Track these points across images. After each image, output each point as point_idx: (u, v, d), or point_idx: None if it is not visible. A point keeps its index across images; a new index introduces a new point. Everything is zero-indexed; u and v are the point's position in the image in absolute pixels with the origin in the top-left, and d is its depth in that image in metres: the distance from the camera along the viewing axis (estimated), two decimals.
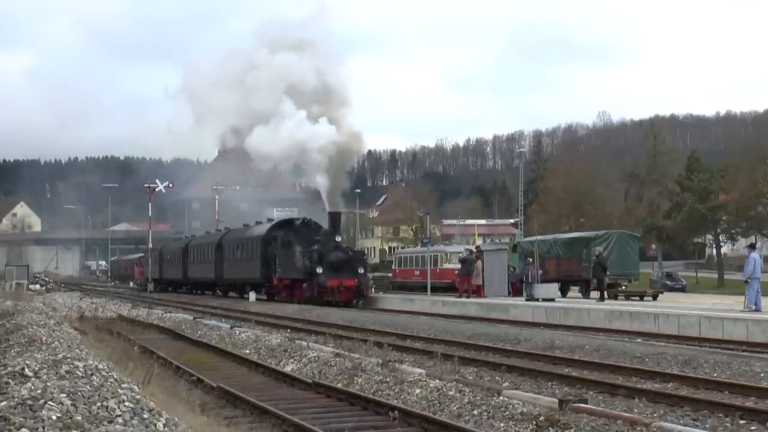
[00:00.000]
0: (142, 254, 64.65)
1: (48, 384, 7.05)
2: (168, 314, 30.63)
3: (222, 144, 54.19)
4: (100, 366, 8.65)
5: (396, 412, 10.21)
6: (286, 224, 40.07)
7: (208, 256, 48.65)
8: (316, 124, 36.48)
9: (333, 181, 35.98)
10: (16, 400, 6.48)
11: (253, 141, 39.63)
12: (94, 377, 7.89)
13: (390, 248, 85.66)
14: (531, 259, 33.30)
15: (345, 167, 38.64)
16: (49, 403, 6.45)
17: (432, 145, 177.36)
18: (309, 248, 35.36)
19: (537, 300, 29.59)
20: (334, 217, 36.00)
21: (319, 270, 34.07)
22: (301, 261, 35.38)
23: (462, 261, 34.75)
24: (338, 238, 35.62)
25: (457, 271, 40.46)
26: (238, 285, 43.99)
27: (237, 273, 43.67)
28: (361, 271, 35.10)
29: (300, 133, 36.43)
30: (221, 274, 45.96)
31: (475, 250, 37.74)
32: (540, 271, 33.09)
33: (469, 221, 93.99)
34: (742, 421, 9.95)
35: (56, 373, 7.87)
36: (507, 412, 10.08)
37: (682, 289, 57.05)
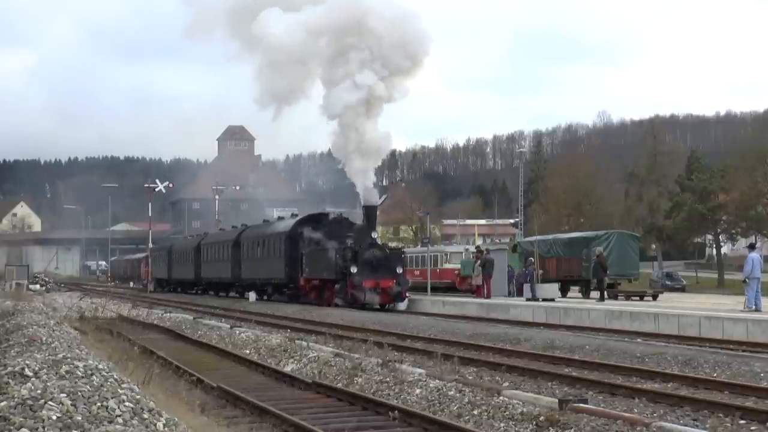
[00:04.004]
0: (148, 253, 62.66)
1: (48, 384, 7.06)
2: (168, 314, 30.65)
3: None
4: (100, 366, 8.66)
5: (396, 412, 10.22)
6: (313, 219, 36.63)
7: (223, 254, 45.46)
8: None
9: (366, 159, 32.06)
10: (16, 400, 6.48)
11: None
12: (94, 377, 7.89)
13: None
14: (533, 259, 33.18)
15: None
16: (49, 403, 6.46)
17: (432, 145, 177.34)
18: (341, 245, 32.19)
19: (537, 300, 29.55)
20: (370, 211, 32.46)
21: (354, 269, 30.80)
22: (333, 259, 31.91)
23: (484, 262, 33.59)
24: (374, 235, 32.37)
25: (457, 271, 40.59)
26: (259, 285, 40.70)
27: (257, 273, 40.42)
28: (399, 270, 31.61)
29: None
30: (239, 274, 42.79)
31: (475, 250, 37.71)
32: (540, 271, 33.07)
33: (469, 221, 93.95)
34: (742, 421, 9.94)
35: (56, 373, 7.88)
36: (507, 412, 10.08)
37: (682, 289, 57.06)
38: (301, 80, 35.03)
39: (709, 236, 78.84)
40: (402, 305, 31.82)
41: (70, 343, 12.98)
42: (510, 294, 34.27)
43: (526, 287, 31.53)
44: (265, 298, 39.84)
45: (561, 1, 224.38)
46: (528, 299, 30.05)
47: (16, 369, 7.86)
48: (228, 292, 47.48)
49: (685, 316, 21.38)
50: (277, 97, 35.45)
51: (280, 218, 43.04)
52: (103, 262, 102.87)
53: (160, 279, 59.04)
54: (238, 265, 42.85)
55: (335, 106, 32.37)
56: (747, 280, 23.16)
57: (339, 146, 33.91)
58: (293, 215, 40.66)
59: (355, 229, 33.39)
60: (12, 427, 5.95)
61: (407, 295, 32.64)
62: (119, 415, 6.56)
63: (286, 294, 37.44)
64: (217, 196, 74.61)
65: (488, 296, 32.08)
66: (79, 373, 8.02)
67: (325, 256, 32.77)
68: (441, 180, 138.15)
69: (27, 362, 8.31)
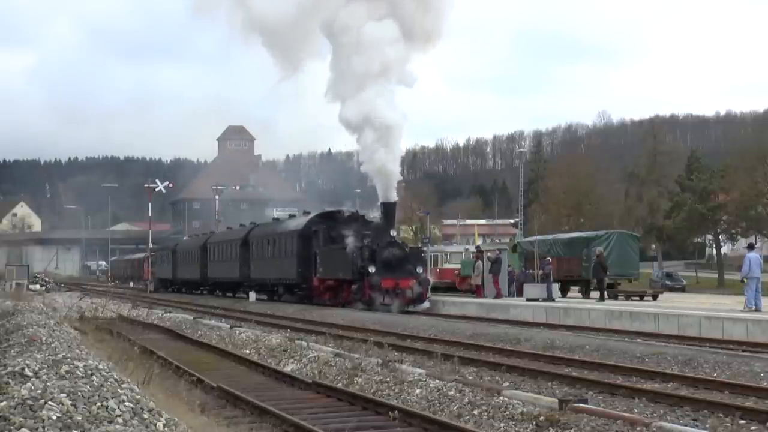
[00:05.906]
0: (152, 253, 61.73)
1: (48, 384, 7.06)
2: (168, 314, 30.66)
3: None
4: (100, 366, 8.65)
5: (396, 412, 10.22)
6: (328, 217, 35.04)
7: (231, 253, 44.02)
8: None
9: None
10: (16, 400, 6.48)
11: None
12: (94, 377, 7.89)
13: None
14: (549, 259, 33.11)
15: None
16: (49, 403, 6.46)
17: (432, 145, 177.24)
18: (359, 244, 30.70)
19: (553, 300, 29.46)
20: (388, 208, 30.88)
21: (372, 269, 29.36)
22: (349, 258, 30.54)
23: (493, 261, 33.29)
24: (393, 233, 31.07)
25: (457, 271, 40.56)
26: (269, 286, 39.31)
27: (267, 273, 38.95)
28: (419, 270, 30.34)
29: None
30: (248, 273, 41.29)
31: (476, 250, 37.67)
32: (540, 271, 33.05)
33: (469, 221, 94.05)
34: (742, 421, 9.94)
35: (56, 373, 7.88)
36: (507, 412, 10.08)
37: (682, 289, 57.06)
38: (314, 28, 33.21)
39: (709, 236, 78.84)
40: (424, 305, 30.31)
41: (70, 343, 12.98)
42: (510, 294, 34.21)
43: (528, 287, 31.50)
44: (276, 298, 38.79)
45: (562, 1, 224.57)
46: (543, 299, 29.74)
47: (16, 369, 7.86)
48: (236, 292, 46.18)
49: (685, 316, 21.38)
50: (295, 57, 34.01)
51: (291, 216, 42.12)
52: (103, 262, 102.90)
53: (164, 279, 58.31)
54: (247, 265, 41.48)
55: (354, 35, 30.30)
56: (745, 279, 23.19)
57: (338, 84, 31.69)
58: (305, 213, 39.08)
59: (372, 227, 31.89)
60: (12, 427, 5.95)
61: (428, 295, 31.29)
62: (119, 415, 6.56)
63: (298, 294, 36.16)
64: (217, 196, 74.63)
65: (498, 296, 31.97)
66: (79, 373, 8.02)
67: (341, 255, 31.36)
68: (441, 180, 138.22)
69: (27, 362, 8.31)
